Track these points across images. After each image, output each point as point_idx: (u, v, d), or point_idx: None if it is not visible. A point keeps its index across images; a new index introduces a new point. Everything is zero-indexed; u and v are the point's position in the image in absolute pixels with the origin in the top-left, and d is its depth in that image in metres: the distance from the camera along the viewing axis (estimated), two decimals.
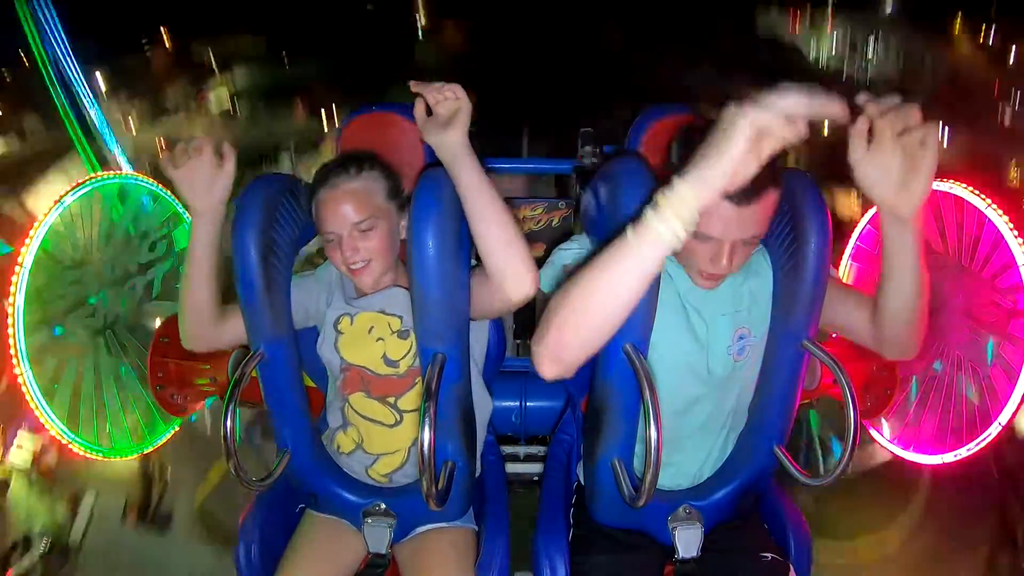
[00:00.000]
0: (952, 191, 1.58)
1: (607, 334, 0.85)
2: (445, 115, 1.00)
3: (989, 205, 1.50)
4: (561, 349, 0.85)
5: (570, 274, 0.87)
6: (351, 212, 1.10)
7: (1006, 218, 1.48)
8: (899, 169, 0.80)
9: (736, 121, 0.67)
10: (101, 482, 2.19)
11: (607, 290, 0.79)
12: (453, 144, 0.98)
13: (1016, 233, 1.45)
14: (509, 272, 0.99)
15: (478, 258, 1.05)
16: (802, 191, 1.03)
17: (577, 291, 0.82)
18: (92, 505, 2.14)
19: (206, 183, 1.05)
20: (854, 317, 1.05)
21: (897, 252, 0.90)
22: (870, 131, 0.80)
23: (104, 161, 3.22)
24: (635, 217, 0.77)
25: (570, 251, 1.13)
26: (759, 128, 0.66)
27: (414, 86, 1.02)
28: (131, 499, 2.20)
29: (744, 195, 0.89)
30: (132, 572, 2.02)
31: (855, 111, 0.79)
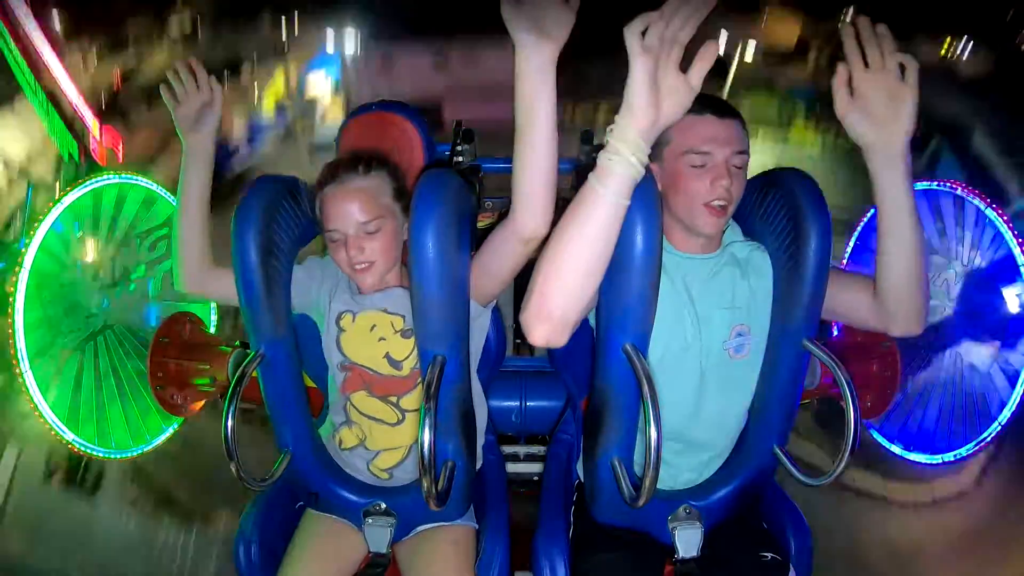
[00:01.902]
0: (953, 191, 1.58)
1: (589, 282, 0.86)
2: (547, 15, 0.80)
3: (989, 205, 1.50)
4: (546, 303, 0.86)
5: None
6: (358, 211, 1.10)
7: (1005, 218, 1.48)
8: (883, 106, 0.87)
9: (626, 40, 0.74)
10: (21, 438, 1.96)
11: (580, 236, 0.83)
12: (545, 61, 0.82)
13: (1015, 233, 1.46)
14: (538, 203, 0.92)
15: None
16: (802, 191, 1.03)
17: (553, 245, 0.85)
18: (14, 464, 1.96)
19: (197, 118, 1.11)
20: (857, 299, 1.05)
21: (891, 197, 0.92)
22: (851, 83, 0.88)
23: (57, 103, 3.10)
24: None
25: None
26: (638, 33, 0.73)
27: None
28: (56, 457, 1.97)
29: (720, 108, 0.96)
30: (57, 539, 1.83)
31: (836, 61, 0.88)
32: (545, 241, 0.89)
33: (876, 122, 0.88)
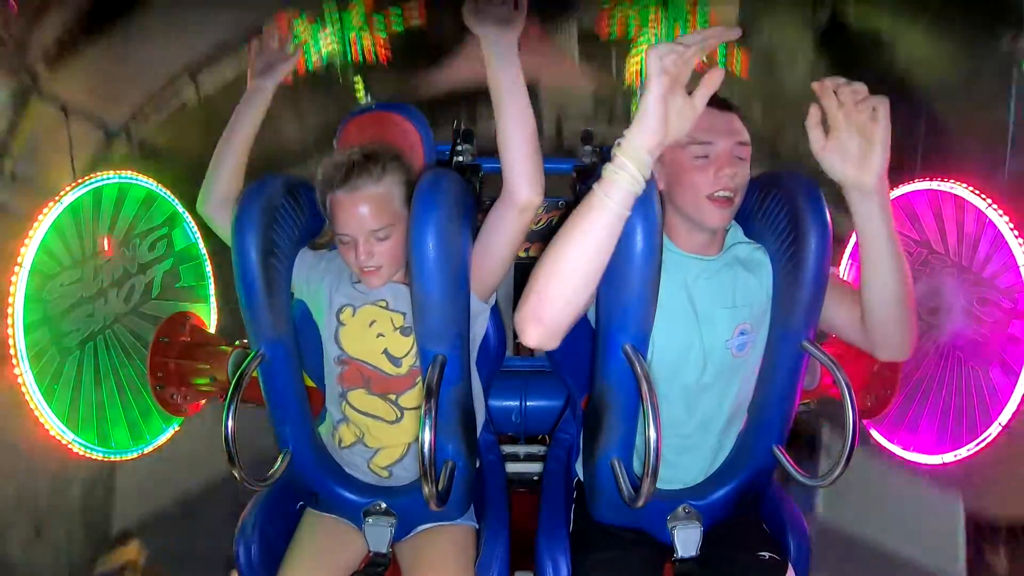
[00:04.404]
0: (952, 191, 1.58)
1: (586, 288, 0.88)
2: (502, 12, 0.96)
3: (989, 205, 1.49)
4: (542, 307, 0.88)
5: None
6: (370, 219, 1.09)
7: (1006, 218, 1.47)
8: (857, 146, 0.89)
9: (647, 61, 0.78)
10: None
11: (581, 242, 0.85)
12: (507, 47, 0.97)
13: (1016, 233, 1.45)
14: (527, 172, 1.00)
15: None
16: (802, 191, 1.03)
17: (554, 249, 0.87)
18: None
19: (268, 67, 1.26)
20: (848, 318, 1.07)
21: (869, 230, 0.94)
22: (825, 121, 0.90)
23: None
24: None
25: None
26: (662, 56, 0.77)
27: None
28: None
29: (719, 102, 1.01)
30: None
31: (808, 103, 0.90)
32: (546, 243, 0.91)
33: (851, 160, 0.90)
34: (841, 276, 1.92)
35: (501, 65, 0.97)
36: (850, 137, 0.89)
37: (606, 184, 0.83)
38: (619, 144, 0.82)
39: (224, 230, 1.21)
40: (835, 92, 0.88)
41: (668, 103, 0.79)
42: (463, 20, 0.97)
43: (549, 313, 0.88)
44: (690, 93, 0.81)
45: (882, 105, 0.86)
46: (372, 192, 1.09)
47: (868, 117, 0.87)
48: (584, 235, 0.85)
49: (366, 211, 1.09)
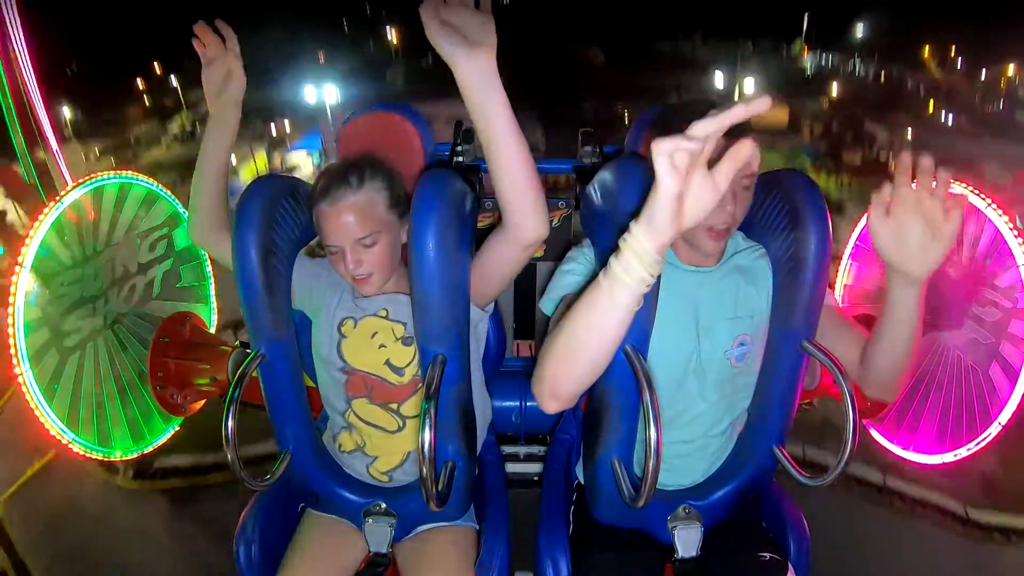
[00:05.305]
0: (952, 191, 1.58)
1: (598, 368, 0.87)
2: (469, 26, 0.83)
3: (989, 205, 1.49)
4: (558, 388, 0.88)
5: (568, 306, 0.88)
6: (353, 227, 1.08)
7: (1005, 217, 1.47)
8: (918, 235, 0.84)
9: (654, 160, 0.66)
10: None
11: (589, 333, 0.81)
12: (484, 69, 0.83)
13: (1016, 232, 1.45)
14: (529, 207, 0.94)
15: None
16: (802, 191, 1.03)
17: (563, 336, 0.84)
18: None
19: (221, 85, 1.09)
20: (845, 353, 1.06)
21: (899, 310, 0.93)
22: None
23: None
24: (607, 259, 0.77)
25: (570, 274, 1.09)
26: (672, 154, 0.65)
27: None
28: None
29: (732, 131, 0.93)
30: None
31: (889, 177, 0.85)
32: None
33: (905, 248, 0.85)
34: (841, 275, 1.92)
35: (481, 91, 0.84)
36: (913, 223, 0.84)
37: (612, 281, 0.75)
38: (625, 240, 0.73)
39: (220, 257, 1.20)
40: (915, 171, 0.81)
41: (684, 193, 0.68)
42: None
43: (565, 392, 0.88)
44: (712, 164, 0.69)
45: (960, 203, 0.81)
46: (352, 201, 1.08)
47: (941, 211, 0.82)
48: (593, 328, 0.80)
49: (349, 220, 1.08)
